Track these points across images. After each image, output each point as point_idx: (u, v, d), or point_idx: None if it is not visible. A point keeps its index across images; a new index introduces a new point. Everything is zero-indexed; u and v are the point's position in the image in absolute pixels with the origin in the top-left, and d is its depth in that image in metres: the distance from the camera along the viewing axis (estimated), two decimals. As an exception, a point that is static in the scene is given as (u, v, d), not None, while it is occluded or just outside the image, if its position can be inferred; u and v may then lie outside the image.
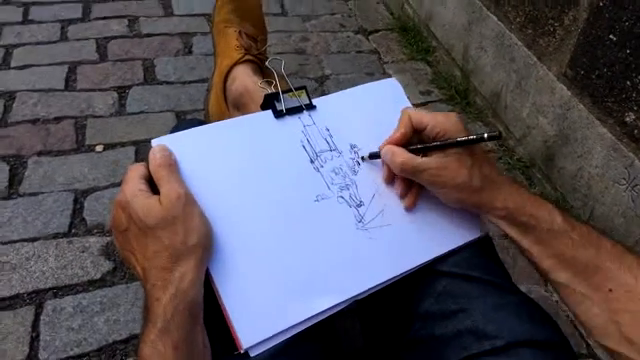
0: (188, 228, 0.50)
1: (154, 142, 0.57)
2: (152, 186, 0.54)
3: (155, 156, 0.54)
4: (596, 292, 0.53)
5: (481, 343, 0.56)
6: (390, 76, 1.68)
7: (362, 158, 0.66)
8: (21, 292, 1.01)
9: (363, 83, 0.74)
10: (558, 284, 0.56)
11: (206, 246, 0.52)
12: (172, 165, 0.55)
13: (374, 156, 0.65)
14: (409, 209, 0.64)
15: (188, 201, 0.52)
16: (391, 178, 0.65)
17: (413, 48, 1.84)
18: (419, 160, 0.59)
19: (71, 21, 1.76)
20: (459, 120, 0.60)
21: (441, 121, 0.59)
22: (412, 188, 0.64)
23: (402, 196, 0.64)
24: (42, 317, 0.98)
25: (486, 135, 0.56)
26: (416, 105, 1.58)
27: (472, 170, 0.58)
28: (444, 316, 0.60)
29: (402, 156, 0.60)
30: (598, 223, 1.18)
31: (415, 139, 0.62)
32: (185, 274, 0.49)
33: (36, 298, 1.01)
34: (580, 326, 0.57)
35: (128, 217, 0.51)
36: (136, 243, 0.52)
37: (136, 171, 0.54)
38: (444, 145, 0.59)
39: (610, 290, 0.52)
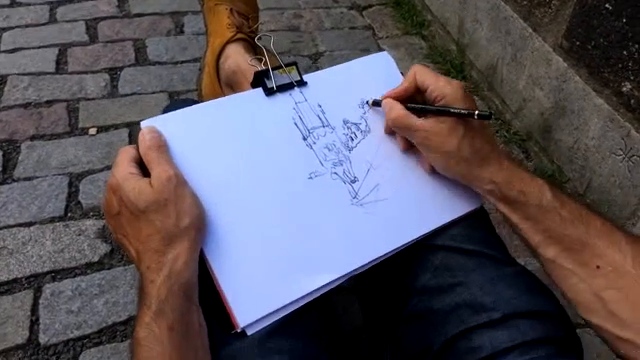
0: (180, 210, 0.50)
1: (144, 124, 0.56)
2: (143, 168, 0.53)
3: (144, 138, 0.54)
4: (583, 268, 0.53)
5: (479, 315, 0.57)
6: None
7: (367, 102, 0.68)
8: (19, 276, 1.01)
9: (350, 60, 0.72)
10: (546, 259, 0.56)
11: (199, 227, 0.52)
12: (162, 146, 0.54)
13: (377, 103, 0.67)
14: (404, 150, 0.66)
15: (179, 182, 0.52)
16: (390, 130, 0.66)
17: (407, 22, 1.82)
18: (413, 120, 0.60)
19: (60, 2, 1.72)
20: (461, 89, 0.60)
21: (441, 86, 0.59)
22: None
23: (405, 148, 0.66)
24: (41, 301, 0.98)
25: (476, 113, 0.56)
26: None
27: (462, 140, 0.58)
28: (441, 290, 0.60)
29: (398, 112, 0.61)
30: (595, 194, 1.18)
31: (419, 98, 0.63)
32: (178, 255, 0.49)
33: (34, 282, 1.01)
34: (566, 301, 0.57)
35: (119, 201, 0.51)
36: (129, 226, 0.51)
37: (126, 154, 0.54)
38: (433, 111, 0.60)
39: (597, 267, 0.52)
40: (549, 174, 1.30)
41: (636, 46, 1.00)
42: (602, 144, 1.13)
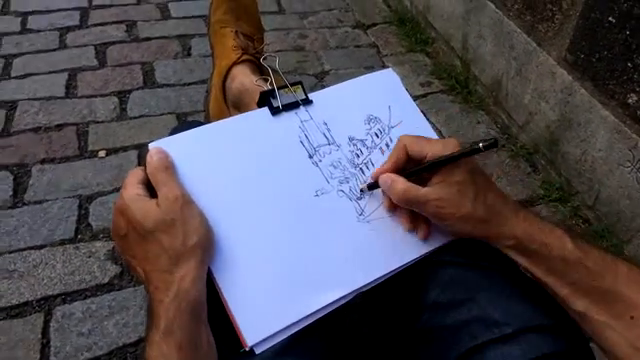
0: (187, 229, 0.50)
1: (151, 145, 0.57)
2: (151, 190, 0.54)
3: (152, 159, 0.55)
4: (617, 320, 0.51)
5: (490, 331, 0.56)
6: (390, 69, 1.67)
7: (361, 190, 0.63)
8: (30, 299, 1.02)
9: (354, 78, 0.73)
10: (576, 312, 0.54)
11: (206, 246, 0.52)
12: (169, 167, 0.55)
13: (373, 186, 0.62)
14: (424, 239, 0.62)
15: (186, 202, 0.52)
16: (394, 207, 0.62)
17: (412, 40, 1.84)
18: (421, 191, 0.56)
19: (69, 28, 1.76)
20: (458, 146, 0.57)
21: (439, 150, 0.57)
22: (419, 217, 0.61)
23: (410, 229, 0.61)
24: (52, 323, 0.98)
25: (481, 145, 0.53)
26: (416, 97, 1.58)
27: (476, 201, 0.56)
28: (452, 305, 0.60)
29: (402, 185, 0.57)
30: (604, 207, 1.18)
31: (412, 166, 0.60)
32: (186, 275, 0.49)
33: (45, 304, 1.01)
34: (603, 353, 0.55)
35: (127, 222, 0.51)
36: (137, 247, 0.52)
37: (134, 176, 0.54)
38: (440, 163, 0.56)
39: (632, 317, 0.50)
40: (557, 187, 1.30)
41: (640, 58, 1.01)
42: (609, 156, 1.13)
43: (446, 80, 1.66)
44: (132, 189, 0.53)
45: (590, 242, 0.56)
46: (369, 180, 0.63)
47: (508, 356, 0.55)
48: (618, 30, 1.04)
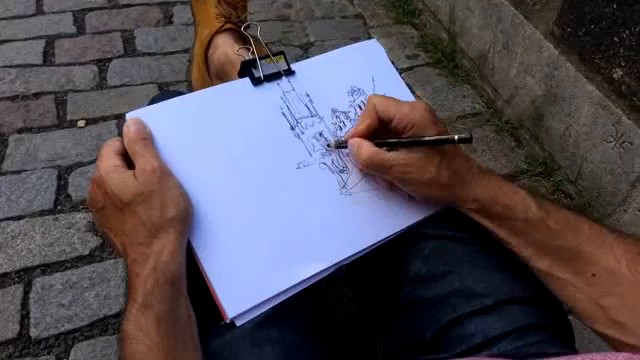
0: (165, 201, 0.49)
1: (129, 115, 0.56)
2: (128, 161, 0.52)
3: (129, 129, 0.53)
4: (579, 277, 0.52)
5: (471, 303, 0.56)
6: (376, 40, 1.65)
7: (328, 145, 0.62)
8: (9, 270, 1.00)
9: (337, 49, 0.71)
10: (540, 271, 0.55)
11: (185, 218, 0.51)
12: (146, 138, 0.53)
13: (341, 145, 0.61)
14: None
15: (164, 174, 0.51)
16: (364, 169, 0.61)
17: (399, 11, 1.81)
18: (386, 156, 0.56)
19: (46, -7, 1.71)
20: (427, 111, 0.57)
21: (407, 113, 0.56)
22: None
23: (385, 187, 0.61)
24: (31, 295, 0.97)
25: (456, 137, 0.52)
26: (403, 70, 1.56)
27: (440, 167, 0.55)
28: (433, 278, 0.60)
29: (368, 150, 0.57)
30: (586, 181, 1.18)
31: (383, 129, 0.59)
32: (164, 247, 0.48)
33: (24, 276, 1.00)
34: (568, 310, 0.56)
35: (104, 194, 0.50)
36: (114, 220, 0.51)
37: (111, 146, 0.53)
38: (412, 142, 0.55)
39: (593, 275, 0.51)
40: (540, 162, 1.30)
41: (627, 32, 1.00)
42: (593, 131, 1.13)
43: (432, 53, 1.64)
44: (108, 160, 0.51)
45: (554, 202, 0.57)
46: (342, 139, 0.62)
47: (488, 327, 0.55)
48: (605, 4, 1.03)
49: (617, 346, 0.50)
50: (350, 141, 0.59)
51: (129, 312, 0.46)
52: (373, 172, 0.59)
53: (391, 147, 0.57)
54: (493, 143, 1.38)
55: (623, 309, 0.49)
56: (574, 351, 0.56)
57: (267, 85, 0.64)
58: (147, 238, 0.48)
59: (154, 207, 0.49)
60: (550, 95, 1.24)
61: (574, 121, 1.18)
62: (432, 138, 0.54)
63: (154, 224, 0.48)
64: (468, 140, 0.52)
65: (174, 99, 0.60)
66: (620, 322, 0.49)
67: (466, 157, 0.59)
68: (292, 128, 0.62)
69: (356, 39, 1.68)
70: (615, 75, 1.04)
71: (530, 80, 1.30)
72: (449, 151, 0.57)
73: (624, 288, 0.50)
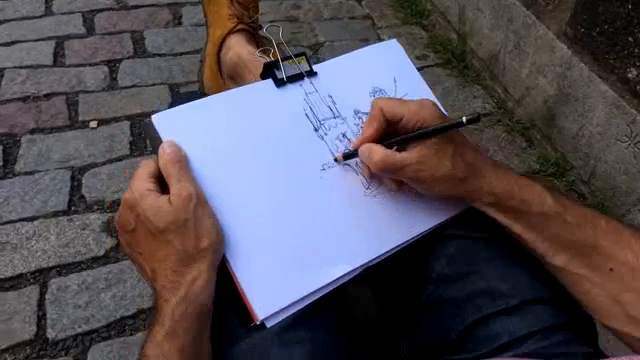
0: (199, 231, 0.49)
1: (154, 118, 0.55)
2: (162, 183, 0.51)
3: (164, 151, 0.52)
4: (596, 273, 0.51)
5: (495, 302, 0.56)
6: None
7: (335, 160, 0.60)
8: (24, 272, 1.01)
9: (357, 49, 0.71)
10: (556, 267, 0.54)
11: (218, 248, 0.50)
12: (182, 161, 0.52)
13: (349, 156, 0.60)
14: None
15: (199, 202, 0.50)
16: (372, 175, 0.60)
17: (407, 12, 1.81)
18: (398, 156, 0.54)
19: (55, -6, 1.71)
20: (435, 107, 0.56)
21: (415, 111, 0.54)
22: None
23: (397, 190, 0.60)
24: (47, 296, 0.98)
25: (464, 119, 0.51)
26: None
27: (454, 159, 0.54)
28: (457, 278, 0.60)
29: (380, 153, 0.54)
30: (600, 181, 1.18)
31: (391, 131, 0.57)
32: (197, 277, 0.48)
33: (40, 277, 1.00)
34: (583, 308, 0.55)
35: (136, 217, 0.50)
36: (145, 244, 0.50)
37: (145, 168, 0.52)
38: (421, 135, 0.54)
39: (611, 269, 0.50)
40: (553, 162, 1.30)
41: (642, 32, 1.00)
42: (607, 131, 1.13)
43: (442, 53, 1.64)
44: (142, 183, 0.50)
45: (570, 197, 0.56)
46: (350, 148, 0.61)
47: (513, 327, 0.55)
48: (620, 3, 1.03)
49: (634, 343, 0.50)
50: (360, 149, 0.57)
51: (153, 337, 0.46)
52: (387, 175, 0.58)
53: (401, 147, 0.56)
54: (504, 143, 1.38)
55: None
56: (601, 353, 0.56)
57: (290, 86, 0.64)
58: (180, 267, 0.48)
59: (189, 237, 0.48)
60: (562, 95, 1.24)
61: (587, 121, 1.18)
62: (440, 125, 0.53)
63: (187, 253, 0.48)
64: (476, 119, 0.51)
65: (198, 100, 0.59)
66: (637, 319, 0.49)
67: (475, 146, 0.57)
68: (316, 129, 0.62)
69: (365, 40, 1.68)
70: (630, 75, 1.04)
71: (542, 80, 1.30)
72: (460, 142, 0.55)
73: None
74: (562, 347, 0.54)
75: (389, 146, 0.56)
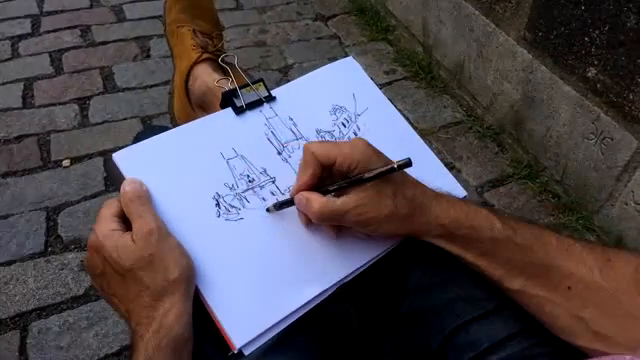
0: (167, 263, 0.48)
1: (115, 155, 0.55)
2: (127, 222, 0.51)
3: (124, 190, 0.52)
4: (554, 293, 0.50)
5: (473, 307, 0.56)
6: (353, 58, 1.67)
7: (267, 210, 0.58)
8: (3, 317, 0.99)
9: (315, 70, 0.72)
10: (514, 292, 0.53)
11: (188, 277, 0.50)
12: (142, 197, 0.52)
13: (285, 204, 0.57)
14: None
15: (162, 235, 0.49)
16: (312, 224, 0.57)
17: (372, 29, 1.84)
18: (339, 202, 0.52)
19: (21, 37, 1.71)
20: (367, 146, 0.54)
21: (348, 153, 0.52)
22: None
23: (334, 236, 0.58)
24: (28, 340, 0.96)
25: (396, 165, 0.50)
26: (381, 85, 1.58)
27: (396, 197, 0.52)
28: (434, 287, 0.60)
29: (318, 202, 0.52)
30: (572, 180, 1.20)
31: (326, 175, 0.55)
32: (170, 309, 0.48)
33: (20, 321, 0.99)
34: (547, 329, 0.55)
35: (103, 260, 0.49)
36: (116, 285, 0.50)
37: (108, 208, 0.52)
38: (351, 184, 0.52)
39: (569, 288, 0.50)
40: (525, 164, 1.32)
41: (597, 32, 1.03)
42: (574, 130, 1.15)
43: (409, 67, 1.67)
44: (106, 224, 0.50)
45: (517, 218, 0.56)
46: (285, 197, 0.59)
47: (493, 332, 0.55)
48: (573, 6, 1.06)
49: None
50: (297, 197, 0.55)
51: None
52: (328, 222, 0.56)
53: (338, 192, 0.54)
54: (477, 150, 1.40)
55: (604, 319, 0.49)
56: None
57: (250, 113, 0.64)
58: (152, 302, 0.47)
59: (157, 271, 0.48)
60: (528, 99, 1.27)
61: (554, 122, 1.20)
62: (372, 174, 0.51)
63: (158, 288, 0.48)
64: (408, 164, 0.50)
65: (159, 135, 0.59)
66: (602, 334, 0.48)
67: (416, 182, 0.56)
68: (279, 153, 0.63)
69: (333, 58, 1.70)
70: (589, 74, 1.07)
71: (507, 86, 1.33)
72: (398, 179, 0.54)
73: (601, 298, 0.49)
74: (541, 348, 0.54)
75: (325, 192, 0.54)
